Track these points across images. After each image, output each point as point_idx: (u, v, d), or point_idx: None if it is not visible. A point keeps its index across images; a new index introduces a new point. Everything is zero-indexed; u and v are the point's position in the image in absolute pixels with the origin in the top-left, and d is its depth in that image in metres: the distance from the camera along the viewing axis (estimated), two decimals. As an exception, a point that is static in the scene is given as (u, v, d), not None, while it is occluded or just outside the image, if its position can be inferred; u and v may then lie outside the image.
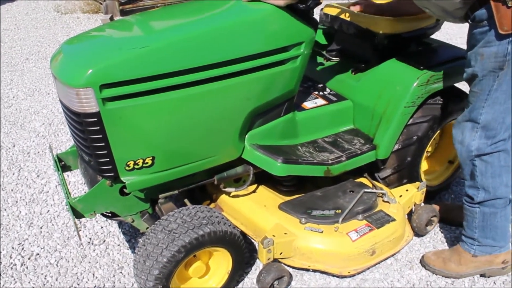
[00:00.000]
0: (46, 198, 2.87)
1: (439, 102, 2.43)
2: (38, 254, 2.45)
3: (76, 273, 2.34)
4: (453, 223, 2.62)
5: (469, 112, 2.01)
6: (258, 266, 2.36)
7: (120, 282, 2.28)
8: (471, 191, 2.12)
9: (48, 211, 2.76)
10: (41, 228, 2.63)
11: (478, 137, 2.00)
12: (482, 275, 2.29)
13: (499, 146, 2.00)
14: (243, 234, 2.29)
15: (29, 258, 2.42)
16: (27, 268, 2.36)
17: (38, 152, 3.36)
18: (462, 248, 2.26)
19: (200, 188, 2.39)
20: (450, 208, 2.64)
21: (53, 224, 2.65)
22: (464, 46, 2.08)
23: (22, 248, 2.48)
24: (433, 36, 2.71)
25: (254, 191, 2.44)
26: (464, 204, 2.19)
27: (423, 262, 2.36)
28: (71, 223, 2.65)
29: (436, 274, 2.31)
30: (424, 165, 2.65)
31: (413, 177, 2.55)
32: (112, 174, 1.92)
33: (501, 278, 2.29)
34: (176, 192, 2.16)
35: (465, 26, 1.97)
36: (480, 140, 1.99)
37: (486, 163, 2.02)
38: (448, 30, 5.70)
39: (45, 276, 2.32)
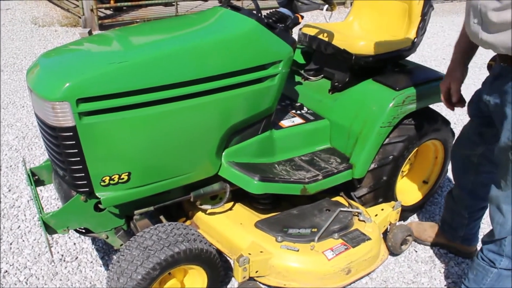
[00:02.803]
0: (17, 213, 2.80)
1: (415, 122, 2.48)
2: (6, 271, 2.38)
3: (47, 291, 2.28)
4: (427, 242, 2.65)
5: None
6: (233, 284, 2.34)
7: (92, 300, 2.23)
8: (493, 255, 1.97)
9: (19, 226, 2.69)
10: (11, 244, 2.56)
11: None
12: None
13: None
14: (219, 252, 2.27)
15: (-3, 275, 2.35)
16: (-5, 285, 2.30)
17: (11, 166, 3.29)
18: None
19: (176, 205, 2.37)
20: (424, 228, 2.67)
21: (23, 240, 2.59)
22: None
23: (-9, 265, 2.42)
24: (408, 58, 2.77)
25: (230, 209, 2.43)
26: (479, 261, 2.02)
27: None
28: (42, 239, 2.59)
29: None
30: (399, 185, 2.68)
31: (389, 196, 2.58)
32: (87, 189, 1.89)
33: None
34: (151, 208, 2.14)
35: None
36: None
37: None
38: (423, 52, 5.83)
39: (14, 294, 2.25)
